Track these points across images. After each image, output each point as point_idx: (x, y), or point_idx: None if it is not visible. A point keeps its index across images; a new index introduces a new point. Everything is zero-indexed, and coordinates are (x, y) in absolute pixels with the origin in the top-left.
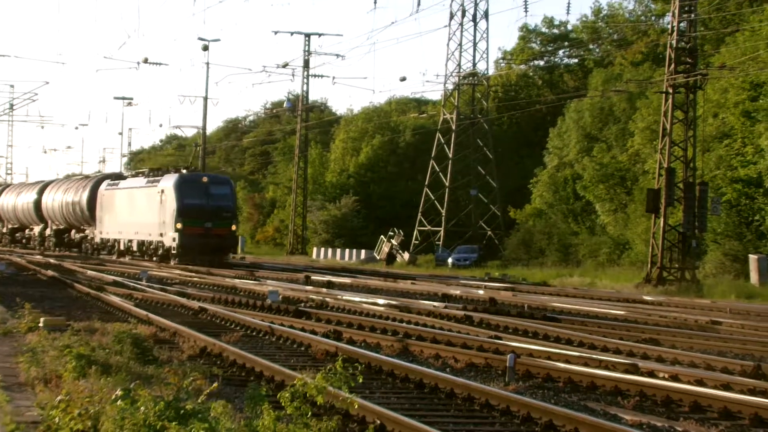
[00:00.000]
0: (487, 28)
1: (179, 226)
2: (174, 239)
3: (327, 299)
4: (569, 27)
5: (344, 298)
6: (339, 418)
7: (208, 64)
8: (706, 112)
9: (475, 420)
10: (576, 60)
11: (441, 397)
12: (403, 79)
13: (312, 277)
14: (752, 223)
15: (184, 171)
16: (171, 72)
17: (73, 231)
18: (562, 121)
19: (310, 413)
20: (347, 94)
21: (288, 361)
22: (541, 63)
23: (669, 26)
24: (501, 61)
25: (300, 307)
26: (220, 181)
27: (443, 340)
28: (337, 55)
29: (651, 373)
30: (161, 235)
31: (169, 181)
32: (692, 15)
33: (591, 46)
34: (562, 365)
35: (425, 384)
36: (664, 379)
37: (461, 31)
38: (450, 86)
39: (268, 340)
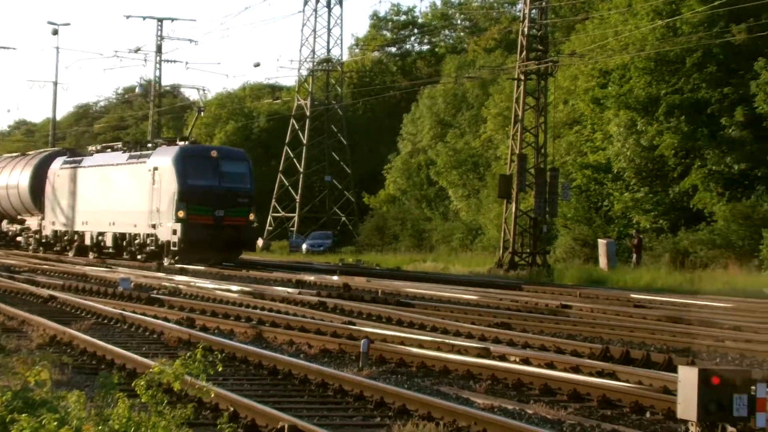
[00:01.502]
0: (341, 15)
1: (182, 214)
2: (175, 232)
3: (180, 286)
4: (417, 13)
5: (197, 285)
6: (193, 406)
7: (57, 48)
8: (557, 98)
9: (329, 405)
10: (428, 47)
11: (295, 383)
12: (257, 64)
13: (165, 264)
14: (601, 208)
15: (184, 143)
16: (19, 56)
17: (4, 222)
18: (416, 107)
19: (165, 401)
20: (201, 79)
21: (140, 349)
22: (394, 50)
23: (521, 13)
24: (355, 47)
25: (152, 294)
26: (234, 155)
27: (297, 326)
28: (190, 40)
29: (502, 357)
30: (154, 226)
31: (165, 156)
32: (543, 3)
33: (446, 32)
34: (415, 350)
35: (279, 370)
36: (515, 362)
37: (315, 17)
38: (304, 72)
39: (119, 327)
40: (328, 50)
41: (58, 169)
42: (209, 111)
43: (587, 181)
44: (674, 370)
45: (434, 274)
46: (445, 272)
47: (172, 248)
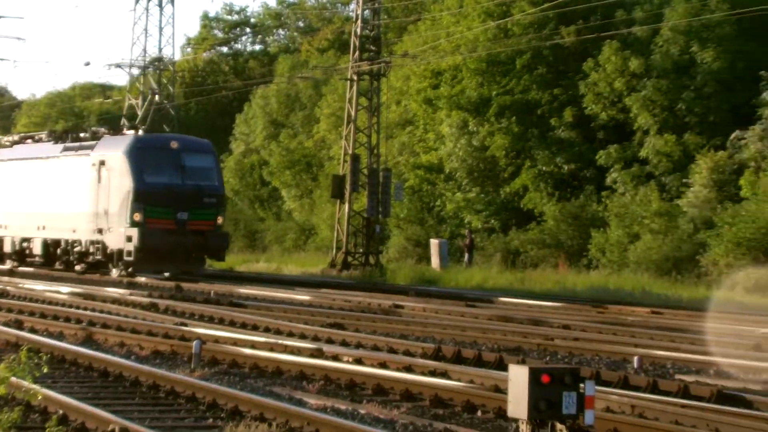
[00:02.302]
0: (173, 14)
1: (138, 218)
2: (129, 238)
3: (8, 288)
4: (249, 13)
5: (26, 286)
6: (21, 409)
7: None
8: (390, 99)
9: (160, 407)
10: (261, 47)
11: (126, 385)
12: (87, 63)
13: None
14: (433, 208)
15: (138, 132)
16: None
17: None
18: (249, 107)
19: None
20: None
21: None
22: (225, 50)
23: (353, 14)
24: (187, 47)
25: None
26: (198, 147)
27: (128, 327)
28: (18, 38)
29: (336, 357)
30: (100, 231)
31: (115, 148)
32: (376, 3)
33: (279, 32)
34: (248, 351)
35: (110, 372)
36: (348, 362)
37: (147, 16)
38: (136, 71)
39: None
40: (160, 49)
41: None
42: (38, 110)
43: (420, 182)
44: (505, 368)
45: (267, 275)
46: (278, 273)
47: (125, 257)
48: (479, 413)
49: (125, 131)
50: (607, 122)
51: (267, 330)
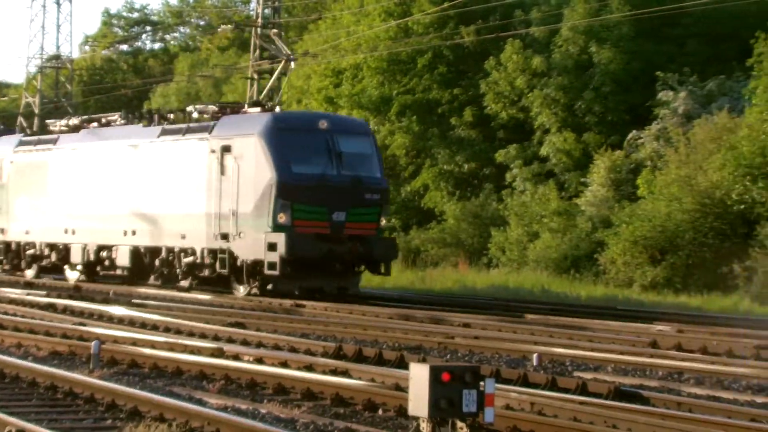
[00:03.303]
0: (71, 11)
1: (284, 219)
2: (273, 246)
3: None
4: (149, 11)
5: None
6: None
7: None
8: (290, 98)
9: (58, 408)
10: (160, 45)
11: (23, 386)
12: None
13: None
14: None
15: (267, 110)
16: None
17: None
18: (148, 105)
19: None
20: None
21: None
22: (125, 48)
23: (254, 13)
24: (85, 45)
25: None
26: (353, 127)
27: (25, 328)
28: None
29: (236, 357)
30: (225, 237)
31: (245, 128)
32: (276, 2)
33: (180, 30)
34: (147, 351)
35: (6, 374)
36: (249, 362)
37: (44, 13)
38: (33, 69)
39: None
40: (57, 47)
41: (11, 154)
42: None
43: None
44: (406, 367)
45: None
46: None
47: (266, 271)
48: (380, 412)
49: (247, 109)
50: (507, 121)
51: (167, 330)
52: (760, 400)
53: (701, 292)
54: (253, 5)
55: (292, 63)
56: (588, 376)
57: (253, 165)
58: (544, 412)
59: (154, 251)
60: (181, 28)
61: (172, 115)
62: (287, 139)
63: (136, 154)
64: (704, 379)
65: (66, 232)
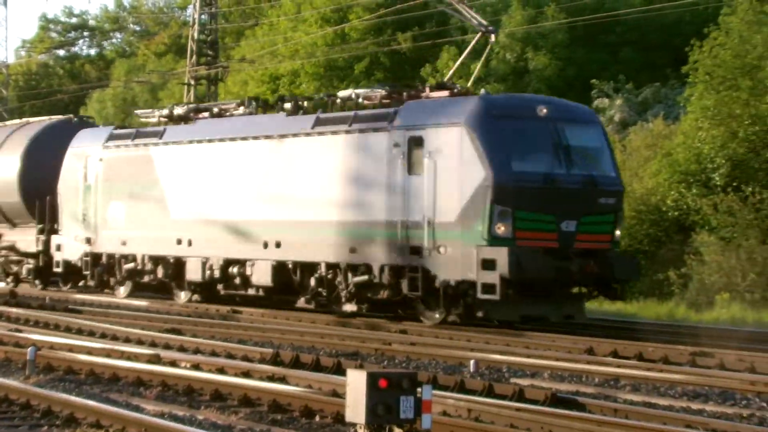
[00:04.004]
0: (6, 16)
1: (504, 230)
2: (491, 264)
3: None
4: (89, 16)
5: None
6: None
7: None
8: None
9: None
10: (97, 50)
11: None
12: None
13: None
14: None
15: (449, 93)
16: None
17: None
18: (85, 110)
19: None
20: None
21: None
22: (62, 52)
23: (191, 18)
24: (21, 49)
25: None
26: (580, 115)
27: None
28: None
29: (173, 363)
30: (417, 252)
31: (447, 116)
32: (213, 8)
33: (117, 36)
34: (84, 357)
35: None
36: (186, 368)
37: None
38: None
39: None
40: None
41: (99, 150)
42: None
43: None
44: (343, 373)
45: None
46: None
47: (480, 294)
48: (317, 418)
49: (429, 92)
50: None
51: (104, 336)
52: (695, 406)
53: (637, 299)
54: (189, 11)
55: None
56: (525, 382)
57: (457, 162)
58: (481, 418)
59: (308, 267)
60: (118, 34)
61: (305, 103)
62: (504, 129)
63: (279, 150)
64: (640, 385)
65: (179, 242)
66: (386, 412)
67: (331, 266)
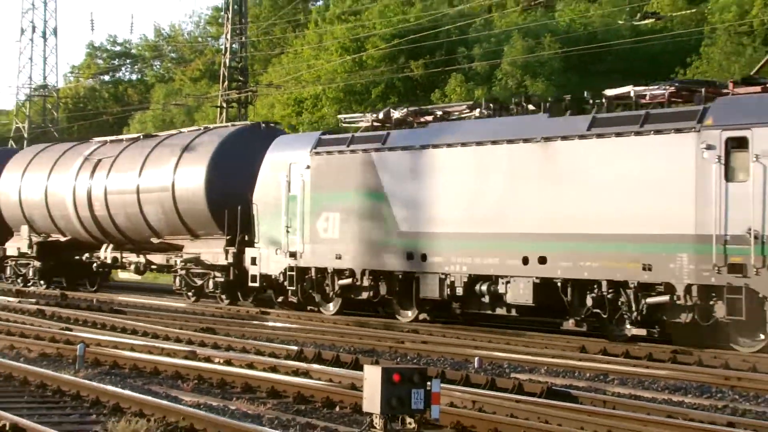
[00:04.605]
0: (56, 45)
1: None
2: None
3: None
4: (131, 45)
5: None
6: None
7: None
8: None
9: (48, 404)
10: (138, 75)
11: (16, 385)
12: None
13: None
14: None
15: None
16: None
17: (105, 249)
18: (127, 130)
19: None
20: None
21: None
22: (107, 78)
23: (223, 47)
24: (70, 74)
25: None
26: None
27: (17, 332)
28: None
29: (207, 359)
30: (739, 270)
31: None
32: (243, 38)
33: (156, 63)
34: (128, 353)
35: (0, 374)
36: (219, 363)
37: (32, 46)
38: (22, 97)
39: None
40: (44, 77)
41: (306, 157)
42: None
43: None
44: (361, 368)
45: (146, 284)
46: (154, 281)
47: None
48: (337, 408)
49: (733, 88)
50: None
51: (145, 334)
52: (675, 398)
53: None
54: (222, 40)
55: None
56: (523, 377)
57: None
58: (484, 409)
59: (580, 286)
60: (158, 61)
61: (542, 105)
62: None
63: (542, 154)
64: (627, 380)
65: (410, 257)
66: (399, 404)
67: (615, 284)
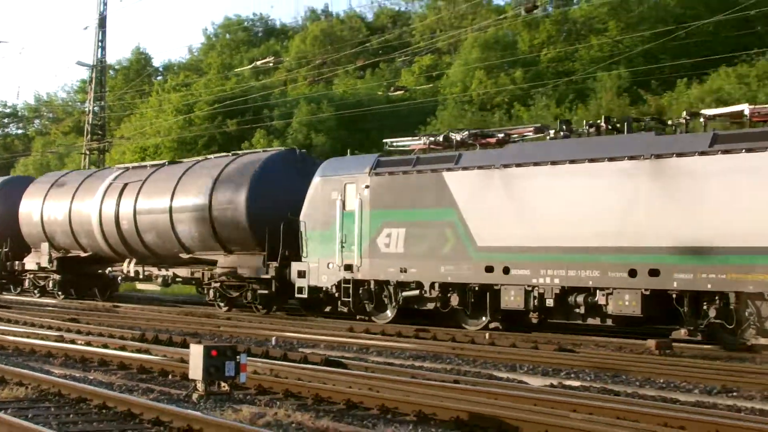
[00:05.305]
0: None
1: None
2: None
3: None
4: (17, 107)
5: None
6: None
7: None
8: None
9: None
10: (23, 130)
11: None
12: None
13: None
14: None
15: None
16: None
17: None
18: (14, 172)
19: None
20: None
21: None
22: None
23: (87, 109)
24: None
25: None
26: None
27: None
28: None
29: (72, 341)
30: None
31: None
32: (102, 102)
33: (33, 121)
34: (11, 338)
35: None
36: (81, 344)
37: None
38: None
39: None
40: None
41: (364, 177)
42: None
43: None
44: (187, 346)
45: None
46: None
47: None
48: (170, 377)
49: None
50: None
51: (25, 323)
52: (417, 364)
53: None
54: (87, 104)
55: None
56: (308, 351)
57: None
58: (279, 375)
59: (698, 297)
60: (38, 120)
61: (603, 126)
62: None
63: (652, 171)
64: (383, 351)
65: (489, 270)
66: (216, 372)
67: (745, 296)
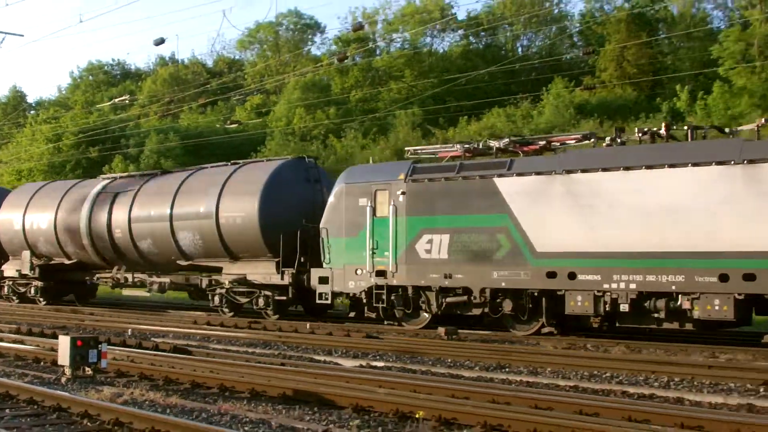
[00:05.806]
0: None
1: None
2: None
3: None
4: None
5: None
6: None
7: None
8: None
9: None
10: None
11: None
12: None
13: None
14: None
15: None
16: None
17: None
18: None
19: None
20: None
21: None
22: None
23: None
24: None
25: None
26: None
27: None
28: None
29: None
30: None
31: None
32: None
33: None
34: None
35: None
36: None
37: None
38: None
39: None
40: None
41: (402, 184)
42: None
43: None
44: (56, 337)
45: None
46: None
47: None
48: (42, 363)
49: None
50: None
51: None
52: (250, 350)
53: None
54: None
55: None
56: (159, 340)
57: None
58: (135, 360)
59: None
60: None
61: (644, 135)
62: None
63: (740, 176)
64: (221, 340)
65: (552, 276)
66: (81, 359)
67: None
